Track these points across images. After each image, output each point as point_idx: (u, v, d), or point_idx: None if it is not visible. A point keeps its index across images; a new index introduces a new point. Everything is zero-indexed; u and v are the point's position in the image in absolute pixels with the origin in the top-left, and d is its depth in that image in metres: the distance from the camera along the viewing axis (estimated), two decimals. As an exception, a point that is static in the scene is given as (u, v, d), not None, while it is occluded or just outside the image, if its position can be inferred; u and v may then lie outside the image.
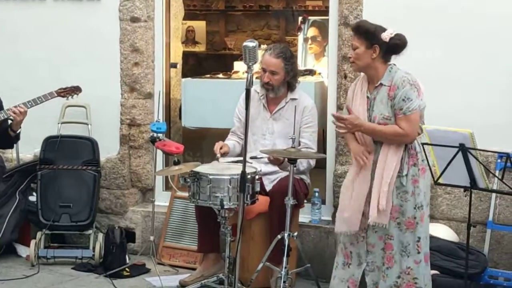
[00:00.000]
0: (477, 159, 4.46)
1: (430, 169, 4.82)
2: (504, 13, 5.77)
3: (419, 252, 5.03)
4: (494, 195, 5.67)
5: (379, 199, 4.96)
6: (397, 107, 4.96)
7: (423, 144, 4.76)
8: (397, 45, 5.01)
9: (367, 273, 5.16)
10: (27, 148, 7.01)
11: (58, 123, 6.96)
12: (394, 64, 5.09)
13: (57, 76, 6.70)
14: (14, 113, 5.98)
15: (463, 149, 4.45)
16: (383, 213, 4.97)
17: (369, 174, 5.07)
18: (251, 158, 5.96)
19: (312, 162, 6.08)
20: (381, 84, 5.04)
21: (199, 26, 8.68)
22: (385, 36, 4.99)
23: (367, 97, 5.11)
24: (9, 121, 6.07)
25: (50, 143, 6.90)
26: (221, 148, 6.03)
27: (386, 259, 5.07)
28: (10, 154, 7.02)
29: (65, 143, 6.91)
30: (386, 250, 5.06)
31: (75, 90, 6.50)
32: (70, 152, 6.90)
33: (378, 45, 5.00)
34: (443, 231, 5.80)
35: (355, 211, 5.10)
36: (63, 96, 6.43)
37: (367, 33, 5.05)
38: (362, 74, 5.21)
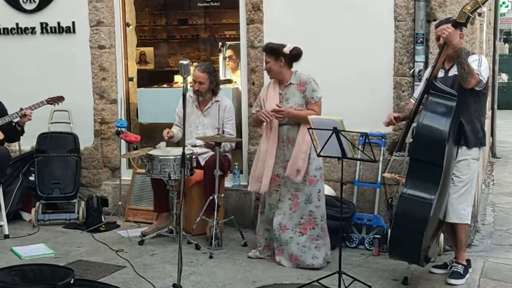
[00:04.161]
0: (346, 137, 4.53)
1: (314, 145, 4.87)
2: (361, 30, 5.86)
3: (319, 200, 5.16)
4: (358, 162, 5.76)
5: (298, 164, 5.05)
6: (308, 96, 5.14)
7: (308, 128, 4.80)
8: (295, 55, 5.17)
9: (276, 216, 5.25)
10: (26, 142, 6.86)
11: (48, 123, 6.84)
12: (297, 70, 5.22)
13: (46, 89, 6.56)
14: (27, 113, 5.98)
15: (336, 131, 4.51)
16: (300, 174, 5.05)
17: (275, 148, 5.16)
18: (192, 146, 5.98)
19: (233, 144, 6.11)
20: (290, 83, 5.19)
21: (149, 50, 8.60)
22: (286, 50, 5.13)
23: (279, 93, 5.20)
24: (13, 123, 6.02)
25: (43, 138, 6.81)
26: (168, 133, 6.04)
27: (293, 206, 5.16)
28: (14, 146, 6.90)
29: (54, 137, 6.82)
30: (293, 199, 5.16)
31: (60, 99, 6.45)
32: (58, 144, 6.81)
33: (282, 57, 5.10)
34: (325, 189, 5.88)
35: (267, 176, 5.19)
36: (51, 103, 6.40)
37: (272, 50, 5.15)
38: (272, 80, 5.27)
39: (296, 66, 5.24)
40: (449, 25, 4.55)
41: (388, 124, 5.07)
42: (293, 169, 5.09)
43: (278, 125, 5.18)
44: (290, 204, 5.21)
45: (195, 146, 6.03)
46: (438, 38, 4.78)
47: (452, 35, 4.48)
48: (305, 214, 5.19)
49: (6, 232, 6.05)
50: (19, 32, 7.10)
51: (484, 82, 4.67)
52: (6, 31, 7.14)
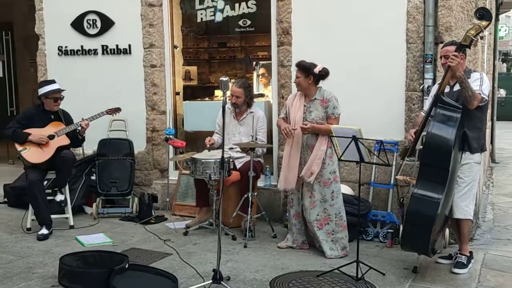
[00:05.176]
0: (363, 144, 4.50)
1: (336, 151, 4.84)
2: (377, 51, 5.82)
3: (333, 199, 5.11)
4: (374, 166, 5.71)
5: (312, 167, 5.03)
6: (329, 112, 5.11)
7: (330, 136, 4.79)
8: (323, 75, 5.14)
9: (304, 211, 5.26)
10: (89, 147, 6.92)
11: (108, 131, 6.90)
12: (321, 87, 5.18)
13: (106, 102, 6.61)
14: (83, 125, 5.96)
15: (355, 139, 4.49)
16: (313, 175, 5.04)
17: (299, 153, 5.15)
18: (229, 148, 5.98)
19: (265, 150, 6.11)
20: (315, 99, 5.14)
21: (193, 69, 8.62)
22: (316, 70, 5.09)
23: (304, 105, 5.17)
24: (77, 130, 6.05)
25: (103, 143, 6.87)
26: (209, 141, 6.05)
27: (311, 204, 5.15)
28: (78, 150, 6.95)
29: (112, 143, 6.88)
30: (311, 198, 5.14)
31: (117, 110, 6.46)
32: (115, 149, 6.86)
33: (311, 75, 5.07)
34: (344, 189, 5.82)
35: (294, 176, 5.19)
36: (110, 114, 6.40)
37: (304, 68, 5.12)
38: (298, 92, 5.24)
39: (321, 82, 5.20)
40: (457, 54, 4.49)
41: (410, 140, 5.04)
42: (308, 171, 5.10)
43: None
44: (309, 201, 5.19)
45: (231, 148, 6.03)
46: (441, 58, 4.76)
47: (458, 65, 4.45)
48: (320, 212, 5.16)
49: (71, 223, 6.12)
50: (84, 53, 7.19)
51: (486, 98, 4.61)
52: (72, 52, 7.25)
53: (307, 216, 5.21)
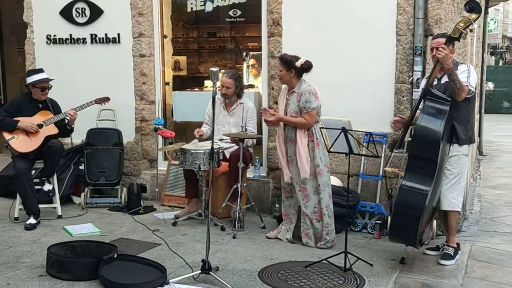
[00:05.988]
0: (352, 136, 4.52)
1: (325, 143, 4.86)
2: (367, 43, 5.83)
3: (320, 193, 5.11)
4: (363, 157, 5.73)
5: (303, 162, 5.05)
6: (301, 106, 5.07)
7: (321, 128, 4.79)
8: (305, 68, 5.10)
9: (301, 204, 5.26)
10: (77, 136, 6.88)
11: (96, 121, 6.87)
12: (304, 80, 5.13)
13: (95, 91, 6.55)
14: (71, 114, 5.93)
15: (344, 130, 4.50)
16: (306, 171, 5.04)
17: (284, 145, 5.19)
18: (220, 140, 5.97)
19: (254, 141, 6.11)
20: (293, 91, 5.11)
21: (182, 59, 8.58)
22: (298, 63, 5.06)
23: (286, 98, 5.18)
24: (66, 120, 6.01)
25: (92, 133, 6.84)
26: (198, 132, 6.04)
27: (304, 197, 5.15)
28: (67, 140, 6.91)
29: (101, 132, 6.85)
30: (302, 191, 5.14)
31: (106, 99, 6.40)
32: (104, 138, 6.84)
33: (293, 69, 5.04)
34: (333, 180, 5.84)
35: (286, 168, 5.22)
36: (98, 103, 6.35)
37: (286, 62, 5.09)
38: (285, 85, 5.26)
39: (310, 73, 5.19)
40: (445, 46, 4.50)
41: (394, 122, 5.06)
42: (302, 168, 5.09)
43: (283, 125, 5.21)
44: (301, 195, 5.20)
45: (221, 140, 6.02)
46: (432, 49, 4.77)
47: (446, 57, 4.45)
48: (316, 205, 5.18)
49: (59, 213, 6.09)
50: (72, 42, 7.14)
51: (473, 90, 4.64)
52: (61, 41, 7.19)
53: (303, 209, 5.21)
